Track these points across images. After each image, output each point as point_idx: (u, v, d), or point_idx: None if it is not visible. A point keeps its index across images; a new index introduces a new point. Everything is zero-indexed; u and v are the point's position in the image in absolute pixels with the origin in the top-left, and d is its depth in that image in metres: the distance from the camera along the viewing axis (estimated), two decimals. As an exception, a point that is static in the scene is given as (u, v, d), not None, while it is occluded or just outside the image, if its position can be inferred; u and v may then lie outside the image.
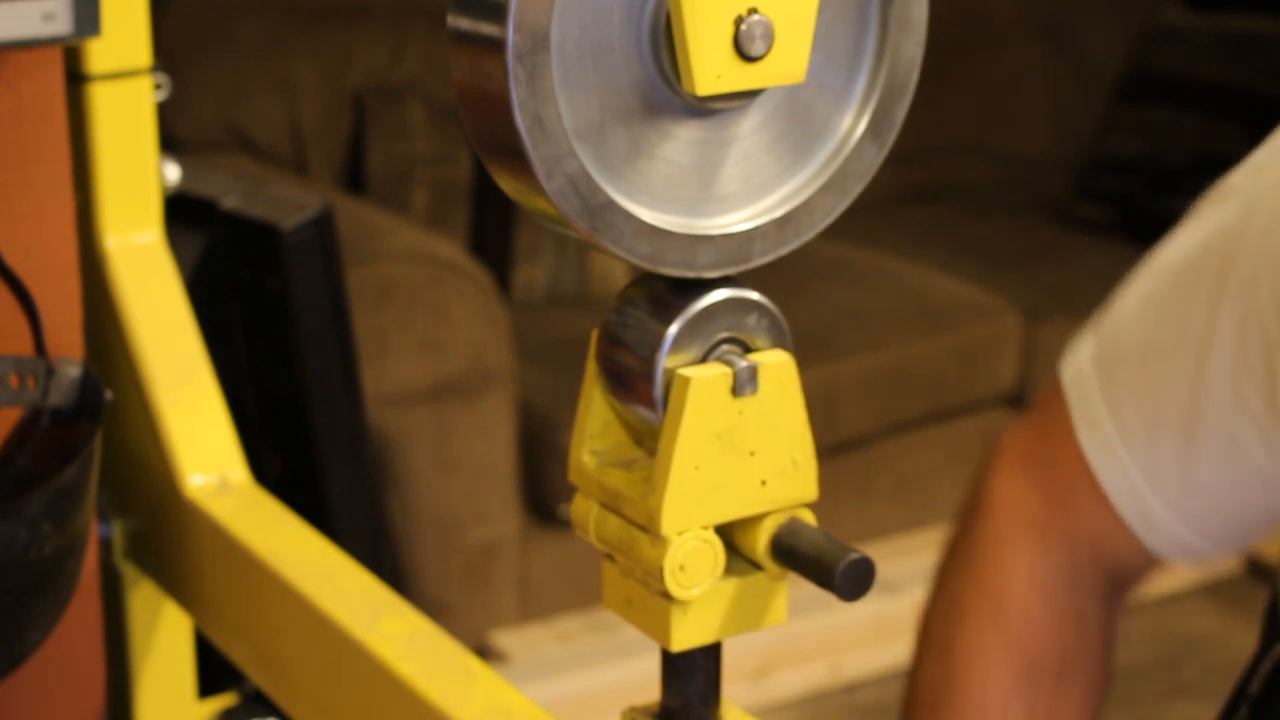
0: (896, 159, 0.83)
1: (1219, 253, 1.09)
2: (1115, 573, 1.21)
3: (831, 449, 3.10)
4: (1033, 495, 1.19)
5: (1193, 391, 1.10)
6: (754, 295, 0.70)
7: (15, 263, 1.06)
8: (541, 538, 2.94)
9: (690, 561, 0.70)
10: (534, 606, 2.95)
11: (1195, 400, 1.10)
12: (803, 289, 3.19)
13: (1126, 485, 1.14)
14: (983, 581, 1.21)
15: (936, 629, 1.23)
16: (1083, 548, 1.19)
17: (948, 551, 1.25)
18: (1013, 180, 4.06)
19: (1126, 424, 1.13)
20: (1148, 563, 1.18)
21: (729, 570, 0.72)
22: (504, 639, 2.90)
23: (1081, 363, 1.17)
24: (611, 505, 0.72)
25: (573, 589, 2.96)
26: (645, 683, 0.86)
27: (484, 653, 2.87)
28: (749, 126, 0.68)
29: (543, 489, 2.91)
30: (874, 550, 2.97)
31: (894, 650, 3.02)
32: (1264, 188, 1.09)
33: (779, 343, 0.71)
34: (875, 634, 3.04)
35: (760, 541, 0.71)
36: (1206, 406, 1.10)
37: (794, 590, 0.75)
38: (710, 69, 0.64)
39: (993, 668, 1.19)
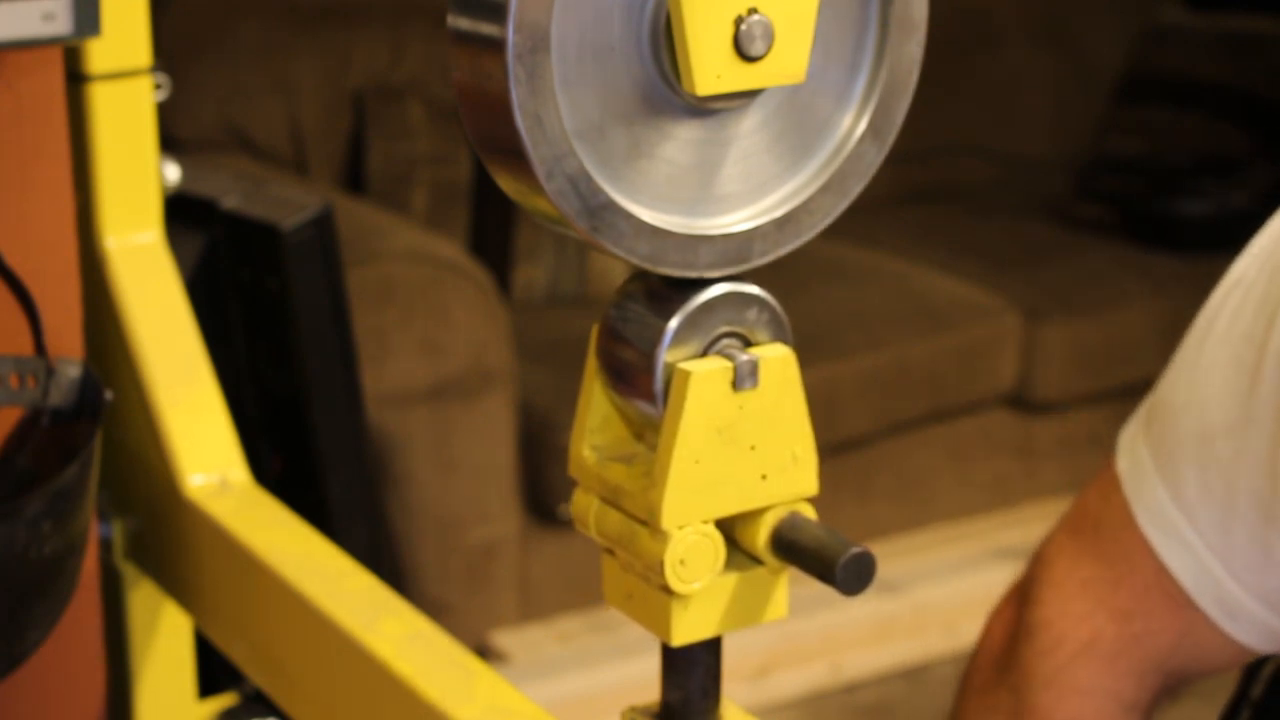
0: (896, 159, 0.83)
1: None
2: (1189, 672, 1.15)
3: (832, 449, 3.09)
4: (1097, 611, 1.14)
5: (1271, 468, 1.04)
6: (754, 289, 0.70)
7: (15, 263, 1.06)
8: (541, 538, 2.94)
9: (690, 556, 0.70)
10: (534, 606, 2.95)
11: (1274, 476, 1.04)
12: (803, 289, 3.19)
13: (1202, 574, 1.09)
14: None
15: None
16: (1155, 659, 1.13)
17: (983, 682, 1.19)
18: (1013, 180, 4.05)
19: (1194, 511, 1.09)
20: (1234, 656, 1.13)
21: (729, 565, 0.72)
22: (504, 639, 2.90)
23: (1137, 454, 1.12)
24: (612, 500, 0.72)
25: (573, 589, 2.96)
26: (645, 682, 0.86)
27: (484, 653, 2.87)
28: (749, 126, 0.68)
29: (543, 489, 2.91)
30: (874, 550, 2.94)
31: (894, 650, 3.02)
32: None
33: (779, 337, 0.71)
34: (875, 634, 3.03)
35: (760, 536, 0.71)
36: None
37: (794, 589, 0.75)
38: (710, 69, 0.64)
39: None
